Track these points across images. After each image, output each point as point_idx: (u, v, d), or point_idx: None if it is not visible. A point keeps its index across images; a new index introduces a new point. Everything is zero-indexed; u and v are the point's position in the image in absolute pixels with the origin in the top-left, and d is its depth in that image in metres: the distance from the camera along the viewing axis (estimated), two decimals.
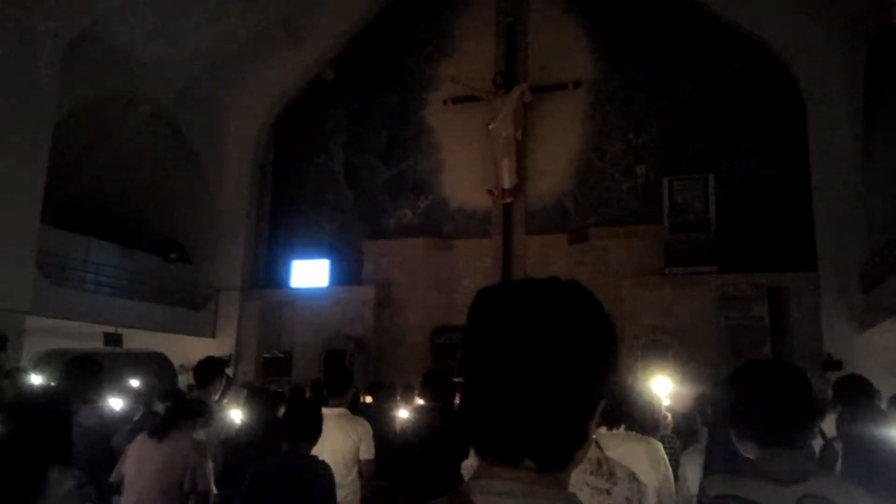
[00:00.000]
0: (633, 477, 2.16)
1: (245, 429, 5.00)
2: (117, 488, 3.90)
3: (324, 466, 3.59)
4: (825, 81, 11.71)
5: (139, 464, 3.76)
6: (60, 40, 10.52)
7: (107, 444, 4.52)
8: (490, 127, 13.69)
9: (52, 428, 2.50)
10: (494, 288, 1.02)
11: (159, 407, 5.57)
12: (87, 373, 4.76)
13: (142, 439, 3.86)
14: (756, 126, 12.91)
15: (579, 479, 2.07)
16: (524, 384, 0.92)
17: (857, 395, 3.98)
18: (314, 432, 3.62)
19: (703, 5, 12.69)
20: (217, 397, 5.00)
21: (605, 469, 2.12)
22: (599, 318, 0.99)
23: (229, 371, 11.96)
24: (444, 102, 14.62)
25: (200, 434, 4.29)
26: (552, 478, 0.95)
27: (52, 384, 6.08)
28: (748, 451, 1.99)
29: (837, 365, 10.35)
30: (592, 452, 2.18)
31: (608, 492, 2.06)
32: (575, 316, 0.96)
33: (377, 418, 6.16)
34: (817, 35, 11.62)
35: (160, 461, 3.73)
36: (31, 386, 4.21)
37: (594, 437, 2.27)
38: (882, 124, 9.91)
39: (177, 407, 3.92)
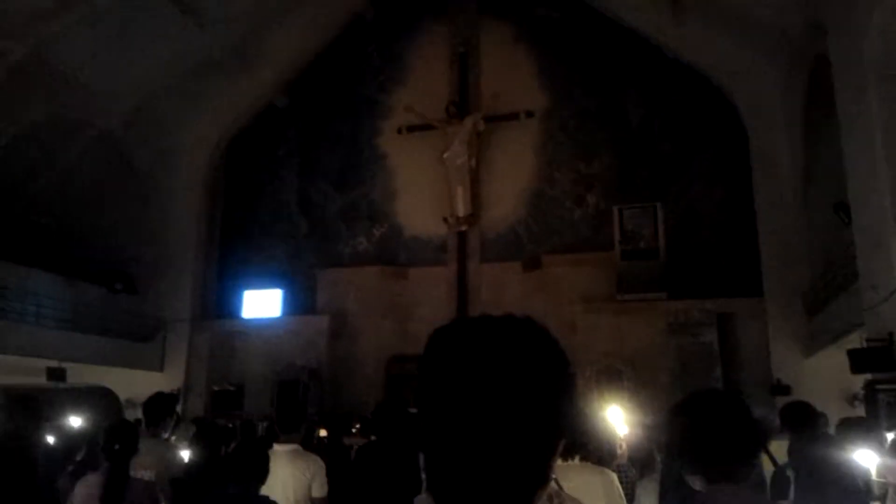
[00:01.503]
0: None
1: (194, 467, 4.84)
2: None
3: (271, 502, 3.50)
4: (766, 110, 12.12)
5: None
6: (2, 62, 10.25)
7: (50, 483, 4.33)
8: (444, 155, 13.79)
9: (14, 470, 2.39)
10: (449, 327, 0.99)
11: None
12: (30, 411, 4.57)
13: (88, 485, 3.69)
14: (702, 154, 13.29)
15: None
16: (486, 428, 0.90)
17: (803, 421, 4.06)
18: (263, 472, 3.51)
19: (647, 38, 13.06)
20: (167, 435, 4.85)
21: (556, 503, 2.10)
22: (556, 356, 0.97)
23: (179, 406, 11.62)
24: (399, 130, 14.68)
25: (149, 474, 4.15)
26: None
27: None
28: (696, 484, 1.99)
29: (786, 390, 10.57)
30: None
31: None
32: (533, 355, 0.95)
33: (332, 452, 6.05)
34: (758, 65, 12.01)
35: None
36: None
37: (561, 470, 2.26)
38: (822, 151, 10.24)
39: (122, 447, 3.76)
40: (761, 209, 12.09)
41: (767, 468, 4.31)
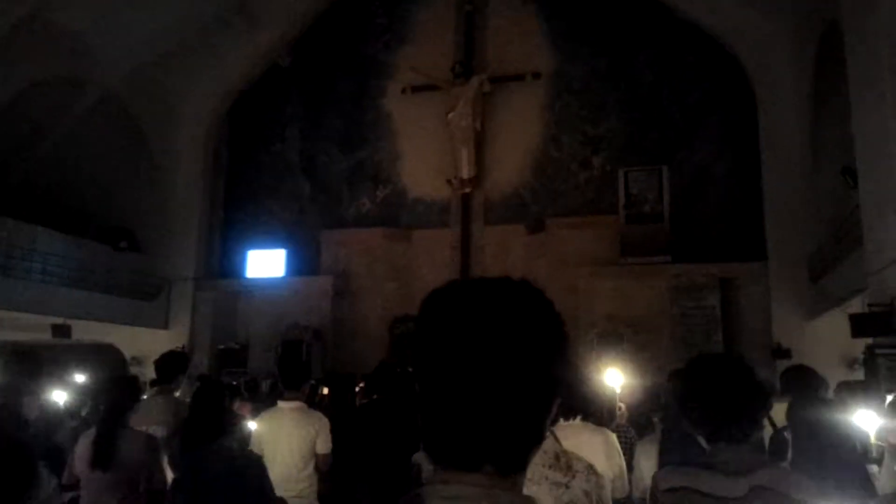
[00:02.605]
0: (591, 469, 2.18)
1: (189, 423, 4.90)
2: (76, 483, 3.78)
3: (256, 458, 3.56)
4: (775, 75, 11.96)
5: (83, 462, 3.66)
6: (4, 21, 10.13)
7: (48, 438, 4.40)
8: (449, 116, 13.66)
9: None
10: (444, 289, 1.00)
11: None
12: (27, 366, 4.62)
13: (87, 440, 3.75)
14: (710, 118, 13.15)
15: (538, 473, 2.08)
16: (480, 389, 0.91)
17: (803, 384, 4.08)
18: (222, 428, 3.55)
19: None
20: (178, 392, 4.90)
21: (564, 462, 2.13)
22: (551, 318, 0.99)
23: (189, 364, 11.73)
24: (403, 91, 14.53)
25: (161, 430, 4.21)
26: (511, 480, 0.94)
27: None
28: (702, 441, 2.03)
29: (786, 353, 10.62)
30: (550, 446, 2.18)
31: (567, 485, 2.07)
32: (527, 317, 0.96)
33: (335, 410, 6.11)
34: (768, 29, 11.85)
35: (116, 463, 3.63)
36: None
37: (552, 429, 2.29)
38: (830, 118, 10.14)
39: (120, 401, 3.80)
40: (767, 173, 12.01)
41: (767, 430, 4.36)
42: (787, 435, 3.67)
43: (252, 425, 4.36)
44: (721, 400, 2.02)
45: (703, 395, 2.05)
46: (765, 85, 12.16)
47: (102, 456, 3.59)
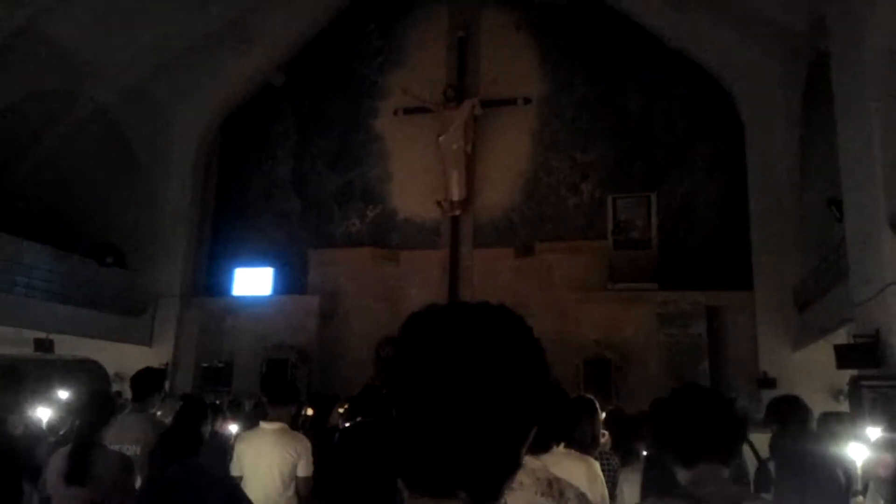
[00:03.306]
0: (583, 497, 2.16)
1: (165, 441, 4.83)
2: (47, 501, 3.71)
3: (221, 477, 3.52)
4: (764, 105, 12.10)
5: (54, 479, 3.60)
6: None
7: (29, 455, 4.33)
8: (440, 139, 13.72)
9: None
10: (422, 314, 0.99)
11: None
12: (9, 381, 4.56)
13: (59, 457, 3.69)
14: (698, 146, 13.29)
15: (529, 500, 2.05)
16: (456, 415, 0.90)
17: (789, 415, 4.07)
18: (196, 447, 3.56)
19: (649, 28, 12.99)
20: (153, 410, 4.83)
21: (556, 490, 2.11)
22: (529, 344, 0.98)
23: (166, 381, 11.61)
24: (395, 112, 14.60)
25: (134, 448, 4.14)
26: None
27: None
28: (680, 476, 2.02)
29: (772, 383, 10.64)
30: (543, 473, 2.16)
31: None
32: (505, 343, 0.95)
33: (319, 431, 6.06)
34: (756, 59, 11.99)
35: (90, 482, 3.57)
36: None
37: (545, 458, 2.27)
38: (818, 148, 10.25)
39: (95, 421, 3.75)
40: (754, 203, 12.10)
41: (753, 463, 4.34)
42: (772, 467, 3.66)
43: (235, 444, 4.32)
44: (699, 431, 2.03)
45: (681, 427, 2.07)
46: (753, 114, 12.30)
47: (77, 471, 3.53)
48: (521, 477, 2.09)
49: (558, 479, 2.17)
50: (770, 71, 11.87)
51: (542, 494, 2.08)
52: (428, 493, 0.92)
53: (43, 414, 5.33)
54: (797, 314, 10.86)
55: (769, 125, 11.99)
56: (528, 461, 2.17)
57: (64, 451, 3.73)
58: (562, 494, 2.10)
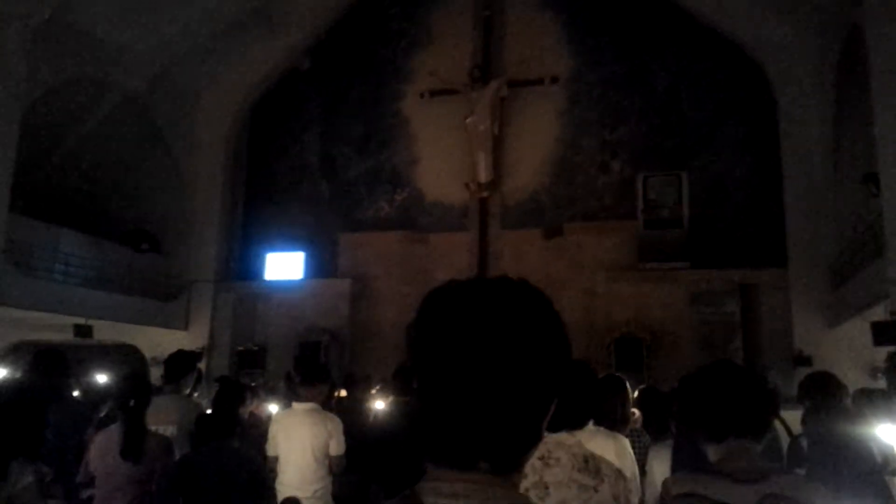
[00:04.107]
0: (619, 474, 2.17)
1: (202, 422, 4.94)
2: (91, 481, 3.83)
3: (248, 458, 3.60)
4: (797, 81, 11.85)
5: (104, 458, 3.71)
6: (27, 24, 10.28)
7: (77, 438, 4.46)
8: (467, 121, 13.67)
9: (17, 421, 2.46)
10: (443, 289, 1.01)
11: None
12: (55, 366, 4.69)
13: (108, 436, 3.80)
14: (730, 124, 13.05)
15: (566, 476, 2.08)
16: (477, 387, 0.92)
17: (823, 391, 4.03)
18: (232, 428, 3.67)
19: (679, 4, 12.76)
20: (188, 391, 4.94)
21: (592, 466, 2.13)
22: (549, 317, 0.98)
23: (202, 364, 11.83)
24: (421, 95, 14.56)
25: (171, 429, 4.24)
26: (506, 479, 0.94)
27: (21, 377, 5.99)
28: (710, 452, 2.02)
29: (808, 361, 10.51)
30: (580, 449, 2.18)
31: (595, 489, 2.06)
32: (526, 316, 0.96)
33: (351, 412, 6.14)
34: (790, 35, 11.74)
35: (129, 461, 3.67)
36: (4, 379, 4.14)
37: (576, 435, 2.28)
38: (853, 124, 10.04)
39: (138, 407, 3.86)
40: (789, 179, 11.89)
41: (786, 440, 4.30)
42: (804, 443, 3.63)
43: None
44: (727, 396, 2.03)
45: (709, 394, 2.06)
46: (786, 90, 12.05)
47: (133, 448, 3.64)
48: (559, 454, 2.11)
49: (594, 456, 2.18)
50: (803, 45, 11.61)
51: (579, 470, 2.10)
52: (450, 466, 0.93)
53: (83, 397, 5.47)
54: (832, 291, 10.70)
55: (802, 100, 11.75)
56: (565, 438, 2.19)
57: (112, 430, 3.83)
58: (598, 471, 2.12)
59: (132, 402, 3.79)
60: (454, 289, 1.00)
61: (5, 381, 3.70)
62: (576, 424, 3.15)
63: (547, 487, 2.03)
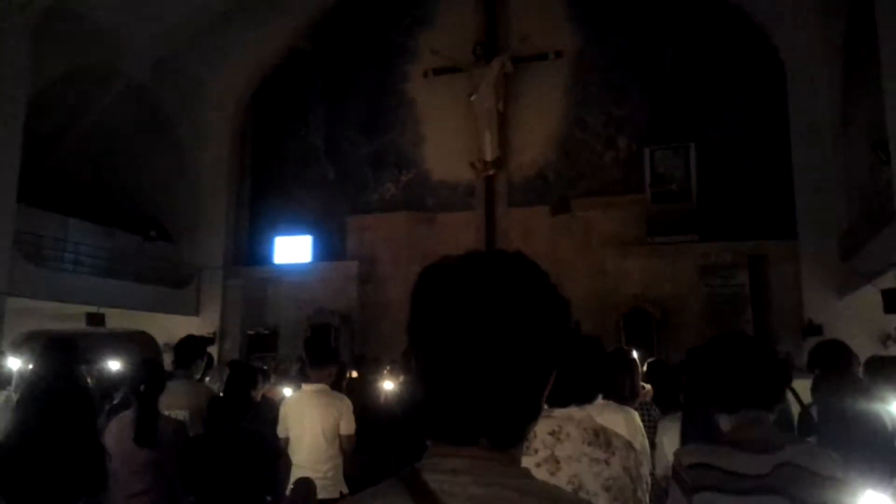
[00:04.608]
0: (629, 446, 2.17)
1: (215, 406, 4.97)
2: None
3: (260, 440, 3.61)
4: (805, 50, 11.68)
5: (120, 445, 3.74)
6: (30, 13, 10.26)
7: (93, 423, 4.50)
8: (471, 98, 13.60)
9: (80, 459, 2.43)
10: (437, 264, 1.00)
11: None
12: (64, 354, 4.72)
13: (122, 423, 3.82)
14: (737, 95, 12.90)
15: (577, 450, 2.08)
16: (475, 362, 0.91)
17: (833, 360, 4.00)
18: (245, 411, 3.69)
19: None
20: (199, 376, 4.97)
21: (603, 440, 2.13)
22: (546, 289, 0.97)
23: (214, 349, 11.92)
24: (425, 74, 14.48)
25: (183, 414, 4.27)
26: (507, 454, 0.94)
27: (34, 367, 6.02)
28: (722, 423, 2.02)
29: (818, 330, 10.47)
30: (589, 423, 2.18)
31: (606, 462, 2.06)
32: (521, 288, 0.95)
33: (362, 392, 6.17)
34: (797, 3, 11.56)
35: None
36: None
37: (586, 409, 2.28)
38: (862, 91, 9.91)
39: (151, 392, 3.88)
40: (797, 149, 11.77)
41: (797, 409, 4.29)
42: (814, 413, 3.62)
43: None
44: (738, 365, 2.03)
45: (721, 364, 2.06)
46: (793, 58, 11.88)
47: (147, 434, 3.67)
48: (569, 428, 2.11)
49: (605, 429, 2.18)
50: (810, 11, 11.43)
51: (590, 444, 2.10)
52: (450, 442, 0.93)
53: (96, 384, 5.51)
54: (843, 260, 10.63)
55: (810, 68, 11.59)
56: (574, 412, 2.19)
57: (126, 415, 3.86)
58: (609, 444, 2.12)
59: (143, 388, 3.81)
60: (449, 264, 0.99)
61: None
62: (585, 399, 3.16)
63: (558, 462, 2.04)
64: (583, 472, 2.03)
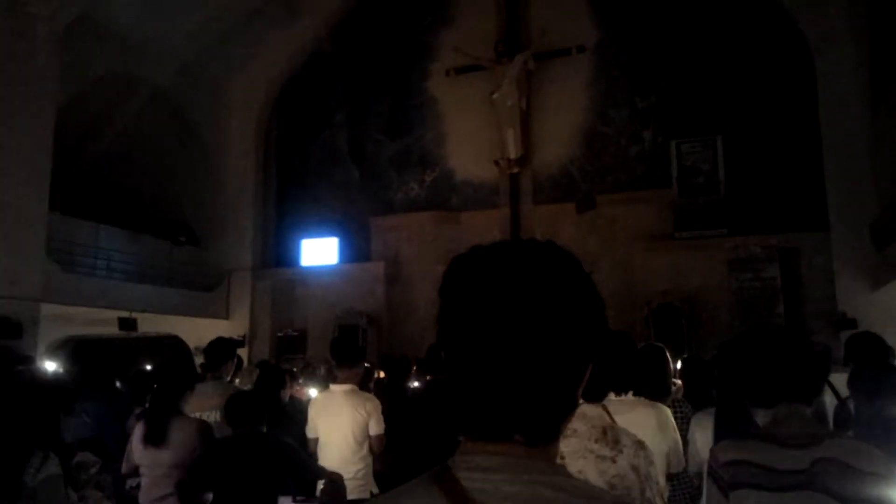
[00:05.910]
0: (640, 444, 2.14)
1: None
2: (135, 471, 3.91)
3: (277, 444, 3.61)
4: (834, 37, 11.46)
5: (144, 447, 3.78)
6: (57, 23, 10.43)
7: (119, 427, 4.56)
8: (494, 96, 13.56)
9: (40, 413, 2.48)
10: (466, 255, 0.96)
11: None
12: (94, 358, 4.79)
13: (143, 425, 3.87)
14: (764, 84, 12.67)
15: (582, 447, 2.06)
16: (507, 356, 0.88)
17: (868, 352, 3.93)
18: (261, 415, 3.68)
19: None
20: (229, 378, 5.01)
21: (611, 437, 2.11)
22: (580, 278, 0.94)
23: (244, 351, 12.03)
24: (447, 73, 14.47)
25: (214, 415, 4.30)
26: (541, 451, 0.91)
27: (60, 370, 6.13)
28: (759, 418, 1.98)
29: (852, 323, 10.26)
30: (599, 420, 2.16)
31: (613, 459, 2.04)
32: (554, 278, 0.91)
33: (390, 393, 6.17)
34: None
35: (171, 446, 3.74)
36: (37, 372, 4.21)
37: (603, 404, 2.26)
38: (890, 79, 9.71)
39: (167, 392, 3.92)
40: (827, 138, 11.55)
41: (833, 403, 4.21)
42: (851, 406, 3.54)
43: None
44: (776, 360, 1.97)
45: (758, 358, 2.01)
46: (822, 46, 11.66)
47: (155, 433, 3.70)
48: (576, 424, 2.09)
49: (613, 427, 2.16)
50: (840, 2, 11.20)
51: (596, 441, 2.08)
52: (484, 438, 0.90)
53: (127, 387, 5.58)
54: (876, 252, 10.41)
55: (839, 57, 11.36)
56: (586, 409, 2.16)
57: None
58: (617, 442, 2.09)
59: (155, 387, 3.85)
60: (478, 254, 0.95)
61: (24, 372, 3.76)
62: (616, 393, 3.12)
63: (563, 458, 2.02)
64: (588, 469, 2.01)
